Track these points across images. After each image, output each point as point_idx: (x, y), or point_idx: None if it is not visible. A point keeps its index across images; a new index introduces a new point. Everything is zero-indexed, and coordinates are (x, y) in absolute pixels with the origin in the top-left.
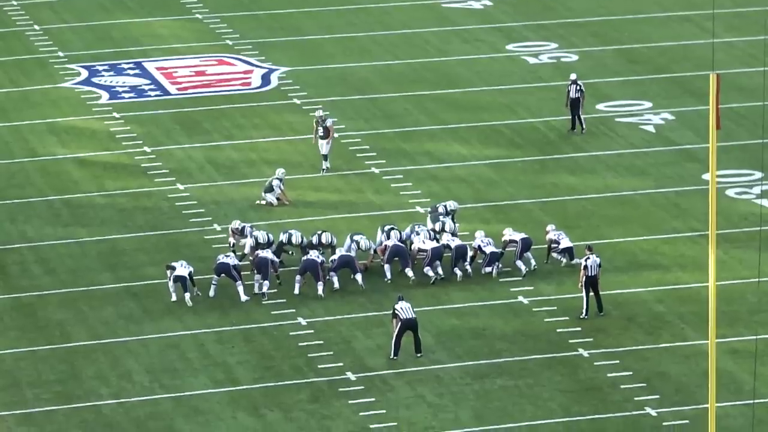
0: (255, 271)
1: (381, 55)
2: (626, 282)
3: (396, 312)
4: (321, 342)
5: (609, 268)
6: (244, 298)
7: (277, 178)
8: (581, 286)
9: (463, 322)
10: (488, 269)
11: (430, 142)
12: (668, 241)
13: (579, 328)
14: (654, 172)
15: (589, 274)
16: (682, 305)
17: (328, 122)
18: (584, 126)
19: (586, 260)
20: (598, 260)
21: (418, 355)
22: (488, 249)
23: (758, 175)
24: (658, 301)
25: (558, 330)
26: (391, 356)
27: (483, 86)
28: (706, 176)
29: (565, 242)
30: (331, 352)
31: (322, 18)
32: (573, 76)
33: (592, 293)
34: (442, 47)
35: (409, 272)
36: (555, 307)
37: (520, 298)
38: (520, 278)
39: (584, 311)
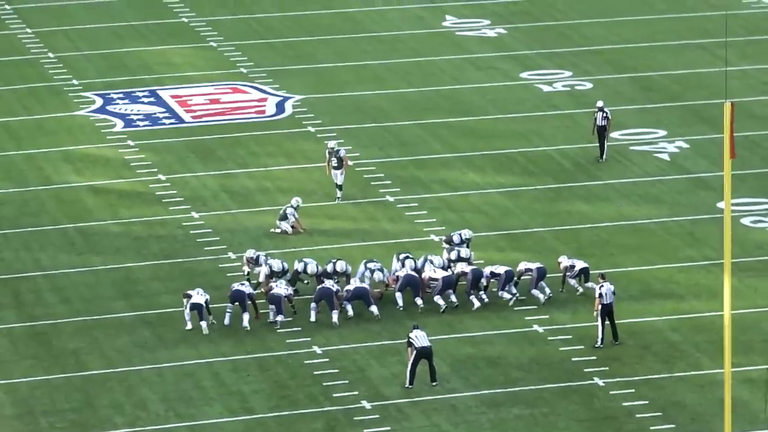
0: (269, 303)
1: (395, 83)
2: (641, 311)
3: (411, 340)
4: (336, 370)
5: (623, 296)
6: (245, 325)
7: (291, 206)
8: (596, 314)
9: (478, 351)
10: (504, 294)
11: (445, 170)
12: (683, 269)
13: (594, 357)
14: (668, 200)
15: (604, 302)
16: (697, 334)
17: (342, 152)
18: (606, 155)
19: (600, 288)
20: (612, 288)
21: (434, 383)
22: (501, 269)
23: None
24: (673, 330)
25: (573, 359)
26: (406, 385)
27: (497, 114)
28: (721, 204)
29: (580, 264)
30: (347, 381)
31: (336, 46)
32: (599, 104)
33: (607, 322)
34: (455, 75)
35: (419, 301)
36: (570, 336)
37: (535, 327)
38: (535, 307)
39: (599, 340)
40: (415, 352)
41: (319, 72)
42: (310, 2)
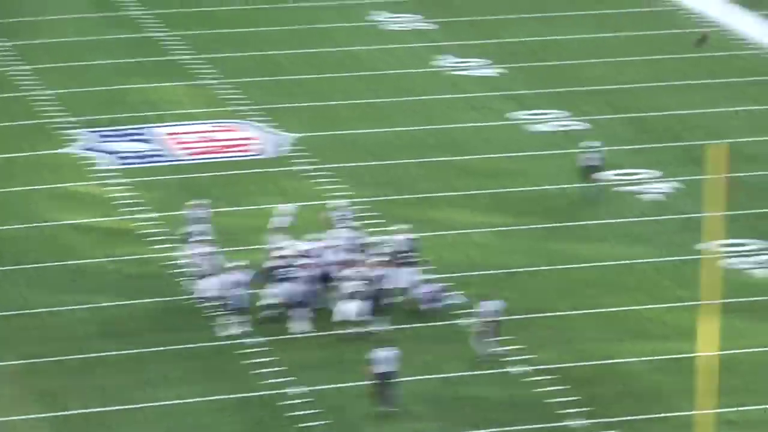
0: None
1: (391, 121)
2: (627, 350)
3: (371, 360)
4: (315, 411)
5: (611, 337)
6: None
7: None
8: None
9: (454, 392)
10: None
11: (438, 208)
12: (672, 310)
13: (573, 398)
14: (660, 240)
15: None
16: (680, 375)
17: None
18: (599, 195)
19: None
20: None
21: (393, 409)
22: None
23: (764, 244)
24: (657, 371)
25: (551, 399)
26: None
27: (492, 153)
28: (708, 245)
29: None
30: (326, 421)
31: (332, 84)
32: (592, 143)
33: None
34: (452, 114)
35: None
36: (551, 377)
37: (510, 368)
38: (515, 347)
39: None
40: (375, 374)
41: (315, 110)
42: (305, 39)
